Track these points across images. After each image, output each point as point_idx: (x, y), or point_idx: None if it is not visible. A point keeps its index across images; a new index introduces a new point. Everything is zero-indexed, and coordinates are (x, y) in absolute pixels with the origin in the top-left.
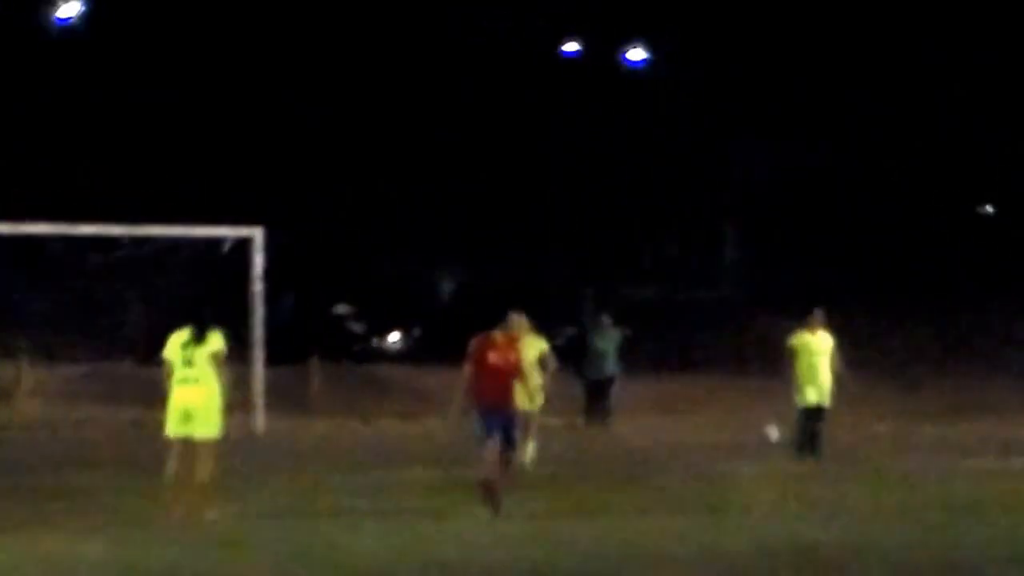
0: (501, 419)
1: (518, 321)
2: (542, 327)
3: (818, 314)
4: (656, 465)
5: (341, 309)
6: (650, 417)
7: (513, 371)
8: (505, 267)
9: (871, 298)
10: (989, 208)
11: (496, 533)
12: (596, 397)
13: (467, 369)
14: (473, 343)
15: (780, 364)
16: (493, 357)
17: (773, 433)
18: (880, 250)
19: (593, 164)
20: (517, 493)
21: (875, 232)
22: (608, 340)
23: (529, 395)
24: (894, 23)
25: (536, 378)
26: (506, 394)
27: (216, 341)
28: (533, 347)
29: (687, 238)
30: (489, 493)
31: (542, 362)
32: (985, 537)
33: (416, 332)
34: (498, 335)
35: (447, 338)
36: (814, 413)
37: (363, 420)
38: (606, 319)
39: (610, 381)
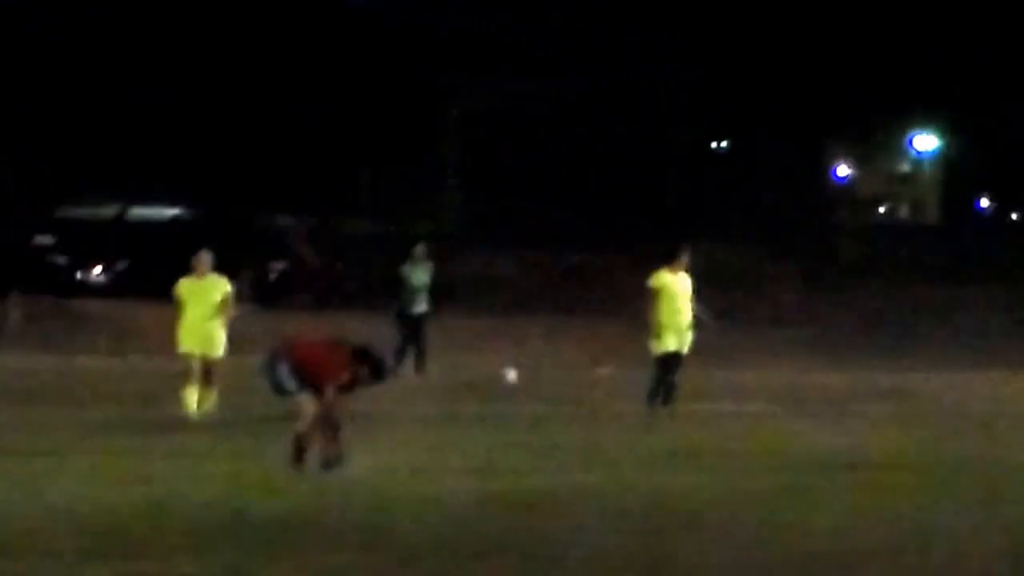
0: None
1: (200, 260)
2: (252, 262)
3: (683, 254)
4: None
5: (42, 240)
6: None
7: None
8: (216, 200)
9: (597, 236)
10: (723, 144)
11: (196, 472)
12: (412, 335)
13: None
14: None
15: (504, 300)
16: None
17: (511, 375)
18: (607, 187)
19: (312, 95)
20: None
21: (602, 168)
22: (423, 273)
23: (213, 340)
24: None
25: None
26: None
27: None
28: (218, 288)
29: (407, 173)
30: (298, 446)
31: (224, 305)
32: (698, 481)
33: (121, 266)
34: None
35: (153, 273)
36: (671, 360)
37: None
38: (421, 250)
39: (425, 317)
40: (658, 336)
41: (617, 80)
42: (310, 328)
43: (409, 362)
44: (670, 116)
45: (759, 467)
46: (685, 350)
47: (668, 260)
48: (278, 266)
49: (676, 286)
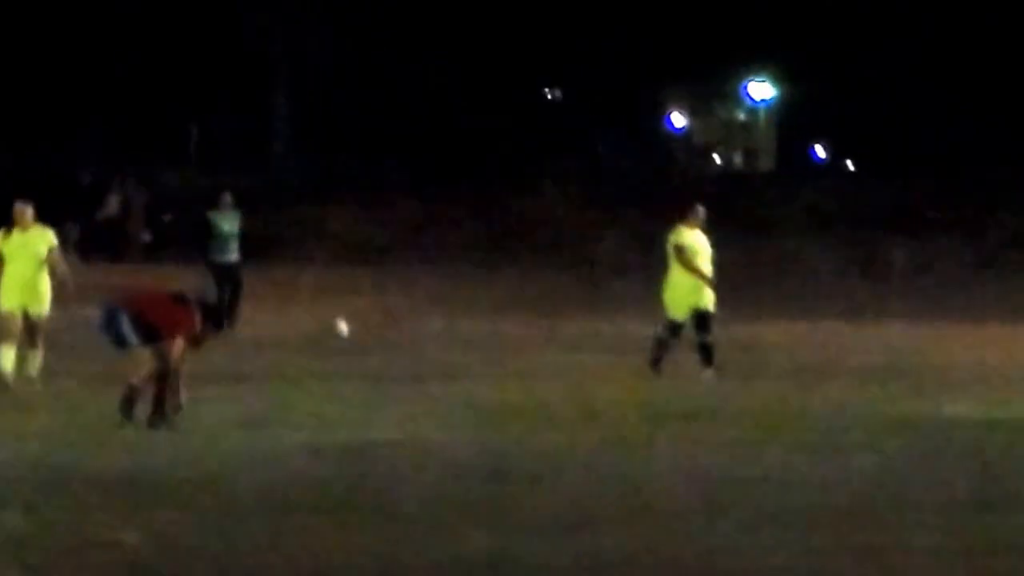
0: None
1: (21, 211)
2: (73, 214)
3: (699, 210)
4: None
5: None
6: None
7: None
8: (32, 149)
9: (429, 186)
10: (556, 93)
11: (22, 428)
12: (223, 284)
13: None
14: None
15: (336, 252)
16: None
17: (343, 327)
18: (439, 136)
19: (139, 42)
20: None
21: (435, 117)
22: (232, 220)
23: (39, 295)
24: None
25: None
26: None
27: None
28: (42, 240)
29: (235, 123)
30: (130, 398)
31: (51, 258)
32: (533, 435)
33: None
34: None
35: None
36: (700, 321)
37: None
38: (229, 197)
39: (236, 267)
40: (675, 299)
41: (449, 26)
42: (138, 280)
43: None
44: (503, 63)
45: (594, 420)
46: (711, 307)
47: (684, 217)
48: (105, 217)
49: (696, 243)
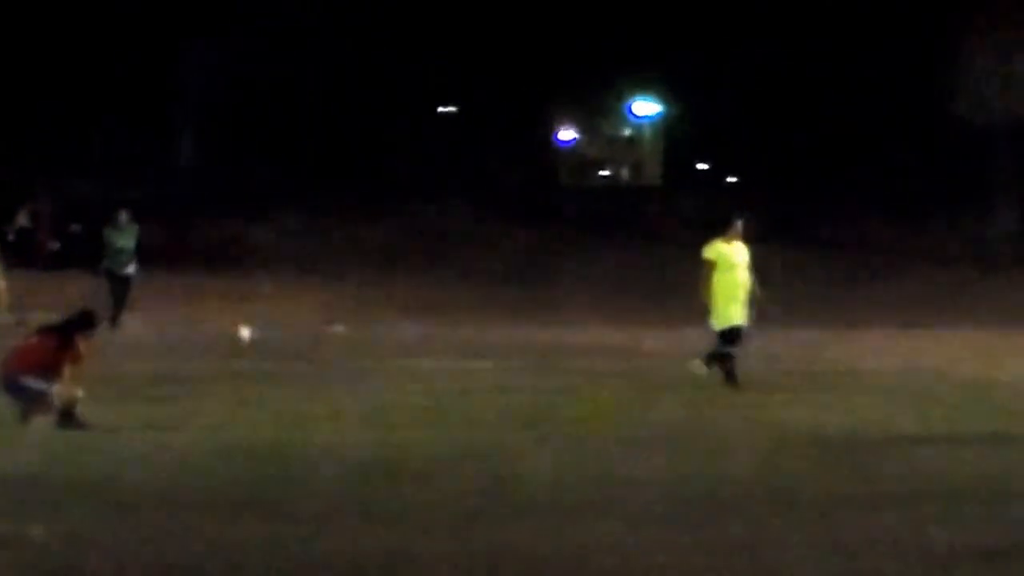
0: None
1: None
2: None
3: (738, 224)
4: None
5: None
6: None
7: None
8: None
9: (329, 197)
10: (452, 108)
11: None
12: (115, 291)
13: None
14: None
15: (237, 260)
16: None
17: (245, 334)
18: (339, 149)
19: (44, 50)
20: None
21: (334, 131)
22: (127, 236)
23: None
24: None
25: None
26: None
27: None
28: None
29: (140, 135)
30: (68, 413)
31: None
32: (424, 436)
33: None
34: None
35: None
36: (732, 335)
37: None
38: (125, 215)
39: (129, 279)
40: (717, 310)
41: (346, 45)
42: (46, 286)
43: (131, 320)
44: (398, 81)
45: (485, 422)
46: (744, 322)
47: (723, 230)
48: (17, 225)
49: (733, 256)
